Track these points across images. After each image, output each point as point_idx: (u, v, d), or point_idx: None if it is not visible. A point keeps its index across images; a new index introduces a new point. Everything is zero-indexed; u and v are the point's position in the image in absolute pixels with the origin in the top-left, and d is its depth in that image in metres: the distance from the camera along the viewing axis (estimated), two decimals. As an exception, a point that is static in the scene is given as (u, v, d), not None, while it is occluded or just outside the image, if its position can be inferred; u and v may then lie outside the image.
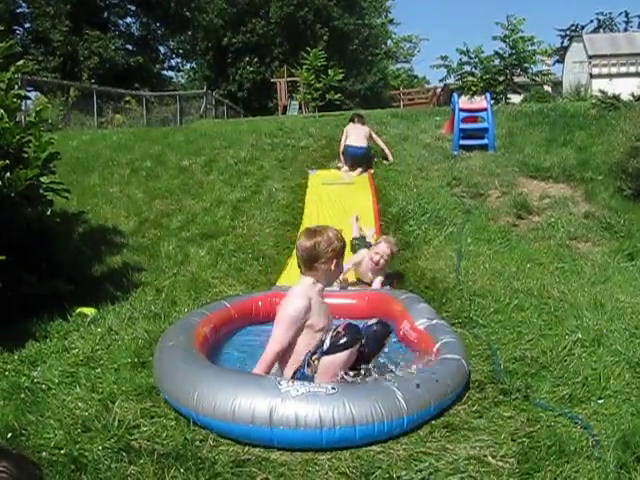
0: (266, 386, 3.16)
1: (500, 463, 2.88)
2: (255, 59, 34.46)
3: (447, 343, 3.85)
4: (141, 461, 2.91)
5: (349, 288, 5.83)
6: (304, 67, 18.06)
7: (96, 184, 9.33)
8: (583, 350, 4.08)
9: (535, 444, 3.00)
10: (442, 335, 3.98)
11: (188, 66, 39.40)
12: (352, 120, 10.30)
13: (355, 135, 9.80)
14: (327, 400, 3.04)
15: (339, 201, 8.22)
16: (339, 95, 17.86)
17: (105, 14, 31.39)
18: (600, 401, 3.42)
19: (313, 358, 3.56)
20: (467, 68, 20.76)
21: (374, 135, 10.14)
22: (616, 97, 12.38)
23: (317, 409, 3.00)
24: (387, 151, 10.05)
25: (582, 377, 3.68)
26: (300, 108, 23.92)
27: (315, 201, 8.28)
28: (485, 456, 2.93)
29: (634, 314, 4.74)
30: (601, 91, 13.39)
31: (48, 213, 5.46)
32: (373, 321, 3.90)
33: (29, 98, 15.23)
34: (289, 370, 3.68)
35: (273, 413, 3.01)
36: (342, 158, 9.84)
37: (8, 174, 4.89)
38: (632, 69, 31.92)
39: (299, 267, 3.87)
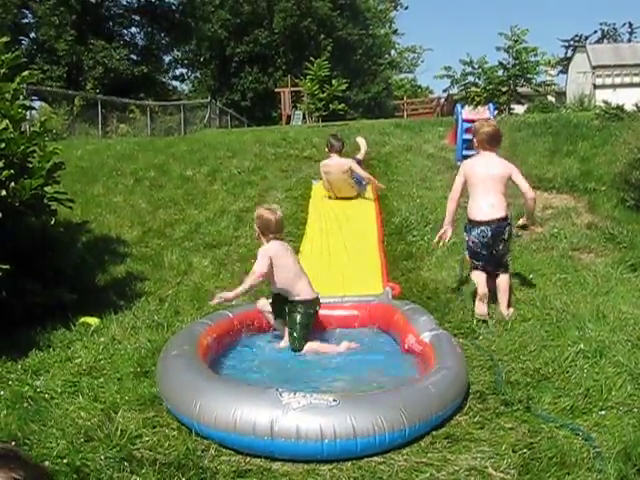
0: (268, 398, 3.15)
1: (501, 474, 2.88)
2: (256, 69, 34.59)
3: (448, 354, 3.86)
4: (143, 471, 2.93)
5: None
6: (308, 77, 18.12)
7: (100, 194, 9.35)
8: (585, 361, 4.06)
9: (536, 455, 3.00)
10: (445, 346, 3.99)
11: (192, 76, 39.62)
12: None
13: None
14: (328, 412, 3.04)
15: (342, 211, 8.22)
16: (343, 105, 17.92)
17: (110, 24, 31.57)
18: (602, 413, 3.42)
19: None
20: (470, 78, 20.88)
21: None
22: (620, 107, 12.40)
23: (318, 421, 3.00)
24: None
25: (584, 388, 3.67)
26: (304, 118, 23.97)
27: (318, 211, 8.28)
28: (486, 467, 2.93)
29: (636, 325, 4.72)
30: (605, 101, 13.43)
31: (52, 223, 5.48)
32: None
33: (34, 108, 15.34)
34: None
35: (274, 425, 3.00)
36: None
37: (13, 184, 4.92)
38: (636, 79, 32.04)
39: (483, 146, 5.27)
